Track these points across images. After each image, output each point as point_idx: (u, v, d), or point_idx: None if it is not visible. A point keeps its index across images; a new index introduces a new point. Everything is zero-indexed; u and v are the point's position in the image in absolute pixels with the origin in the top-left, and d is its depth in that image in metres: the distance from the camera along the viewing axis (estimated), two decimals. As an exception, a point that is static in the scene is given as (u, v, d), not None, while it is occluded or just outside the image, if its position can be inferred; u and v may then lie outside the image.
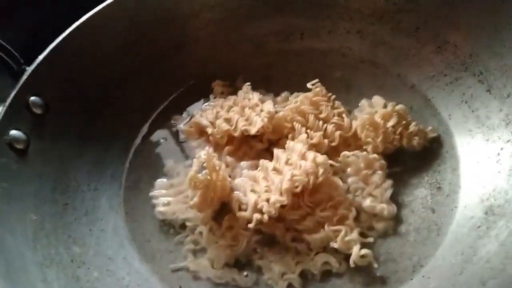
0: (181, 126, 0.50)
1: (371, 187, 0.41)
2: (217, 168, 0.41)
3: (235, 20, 0.54)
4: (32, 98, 0.42)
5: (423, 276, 0.36)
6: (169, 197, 0.44)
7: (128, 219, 0.44)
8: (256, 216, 0.39)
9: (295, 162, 0.40)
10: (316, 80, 0.46)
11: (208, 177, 0.40)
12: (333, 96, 0.46)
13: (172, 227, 0.43)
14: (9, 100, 0.40)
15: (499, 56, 0.42)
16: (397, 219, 0.40)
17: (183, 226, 0.42)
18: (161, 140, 0.50)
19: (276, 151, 0.43)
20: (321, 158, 0.40)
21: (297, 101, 0.46)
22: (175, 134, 0.50)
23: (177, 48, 0.53)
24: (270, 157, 0.45)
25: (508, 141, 0.40)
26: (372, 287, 0.37)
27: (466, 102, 0.44)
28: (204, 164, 0.40)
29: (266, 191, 0.40)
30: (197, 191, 0.40)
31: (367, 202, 0.40)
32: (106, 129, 0.48)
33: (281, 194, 0.39)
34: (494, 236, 0.36)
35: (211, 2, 0.53)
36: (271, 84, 0.52)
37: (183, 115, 0.51)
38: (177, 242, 0.42)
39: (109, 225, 0.43)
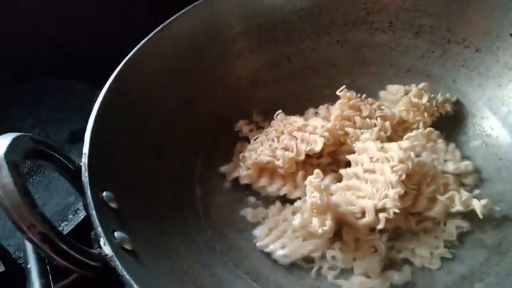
0: (239, 172, 0.48)
1: (442, 154, 0.46)
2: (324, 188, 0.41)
3: (226, 63, 0.55)
4: (104, 194, 0.36)
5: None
6: (277, 239, 0.42)
7: (251, 277, 0.40)
8: (383, 215, 0.40)
9: (381, 156, 0.43)
10: (343, 86, 0.50)
11: (325, 199, 0.40)
12: (364, 95, 0.50)
13: (298, 266, 0.41)
14: (91, 203, 0.34)
15: (473, 23, 0.52)
16: (476, 170, 0.46)
17: (308, 260, 0.41)
18: (224, 193, 0.47)
19: (352, 157, 0.45)
20: (404, 143, 0.43)
21: (337, 109, 0.49)
22: (233, 183, 0.48)
23: (186, 106, 0.51)
24: (337, 167, 0.48)
25: (519, 79, 0.49)
26: (503, 226, 0.41)
27: (463, 66, 0.52)
28: (320, 188, 0.40)
29: (377, 191, 0.41)
30: (321, 216, 0.39)
31: (450, 167, 0.45)
32: (167, 204, 0.44)
33: (392, 187, 0.41)
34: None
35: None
36: (285, 110, 0.53)
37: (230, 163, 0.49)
38: (316, 276, 0.40)
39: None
